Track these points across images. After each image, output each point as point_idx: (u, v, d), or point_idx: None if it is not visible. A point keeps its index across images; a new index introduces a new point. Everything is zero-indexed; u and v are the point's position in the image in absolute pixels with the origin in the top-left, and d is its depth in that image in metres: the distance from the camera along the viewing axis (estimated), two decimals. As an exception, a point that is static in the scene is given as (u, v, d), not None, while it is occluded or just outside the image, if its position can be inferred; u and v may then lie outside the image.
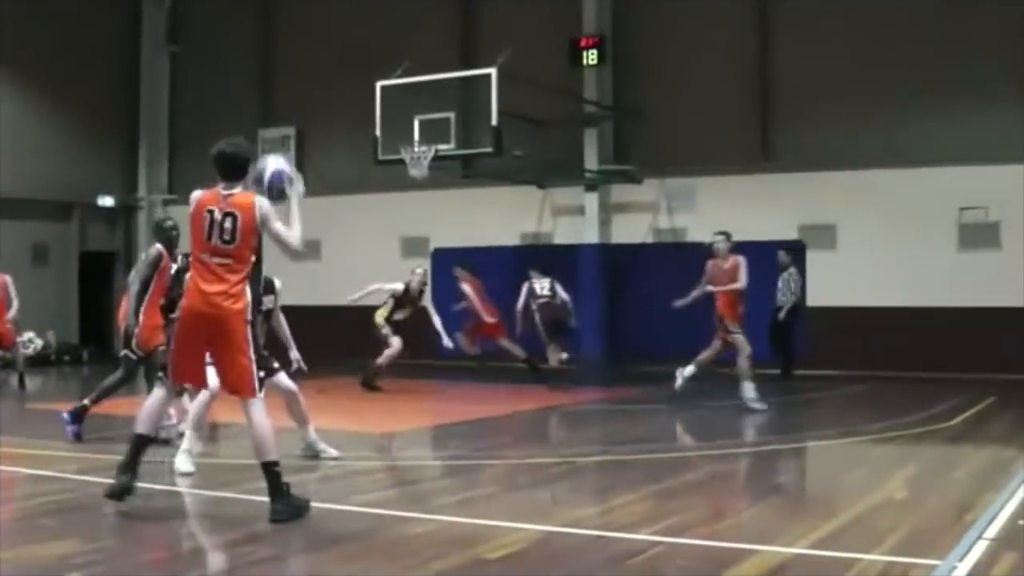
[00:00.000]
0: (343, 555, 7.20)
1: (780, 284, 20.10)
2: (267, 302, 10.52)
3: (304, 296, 21.17)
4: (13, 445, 11.85)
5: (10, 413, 15.54)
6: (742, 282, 14.88)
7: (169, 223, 12.06)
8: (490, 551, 7.11)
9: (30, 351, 22.89)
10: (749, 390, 14.86)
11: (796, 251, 20.92)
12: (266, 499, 8.03)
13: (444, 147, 18.57)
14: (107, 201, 27.75)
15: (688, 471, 10.06)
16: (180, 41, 28.55)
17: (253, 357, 7.98)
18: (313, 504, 8.37)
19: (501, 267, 23.34)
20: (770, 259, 20.02)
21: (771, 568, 6.70)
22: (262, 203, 8.13)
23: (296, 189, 8.48)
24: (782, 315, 19.87)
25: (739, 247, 21.14)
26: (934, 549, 7.06)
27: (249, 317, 8.01)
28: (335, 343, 22.26)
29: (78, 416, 12.13)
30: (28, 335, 23.67)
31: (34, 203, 25.64)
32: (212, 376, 8.50)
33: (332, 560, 7.08)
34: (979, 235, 19.09)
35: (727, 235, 15.41)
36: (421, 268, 18.71)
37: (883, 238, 20.26)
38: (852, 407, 16.07)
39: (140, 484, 8.66)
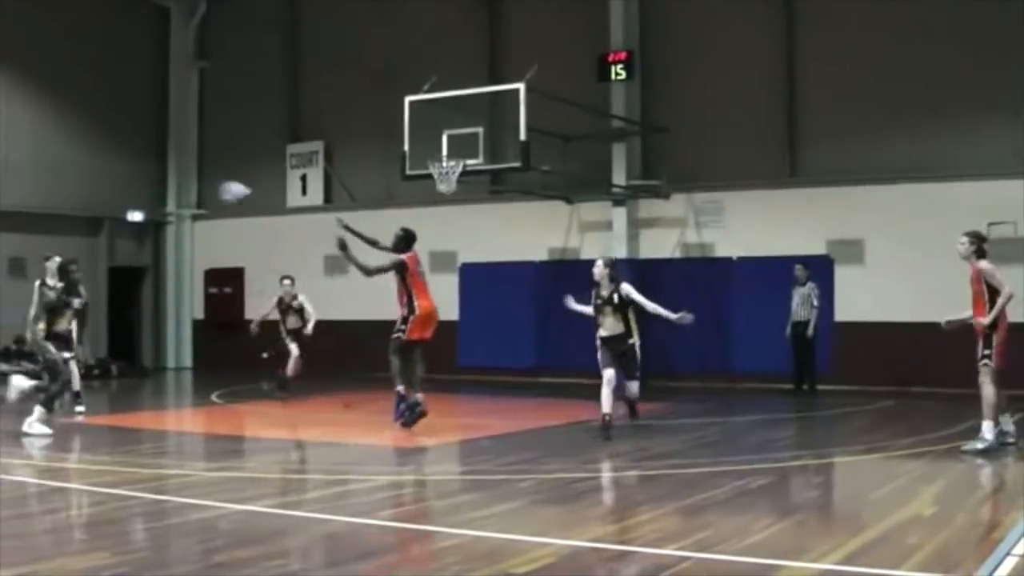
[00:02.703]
0: (370, 569, 7.21)
1: (796, 299, 20.03)
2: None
3: (331, 311, 21.26)
4: (46, 459, 11.93)
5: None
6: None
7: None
8: (517, 566, 7.11)
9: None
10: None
11: (824, 266, 20.88)
12: (295, 513, 8.04)
13: (472, 162, 18.56)
14: (136, 216, 27.90)
15: (715, 486, 10.03)
16: (209, 57, 28.74)
17: None
18: (341, 518, 8.39)
19: (529, 282, 23.39)
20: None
21: (799, 584, 6.70)
22: None
23: None
24: (810, 331, 19.79)
25: (767, 262, 21.25)
26: (963, 565, 7.03)
27: None
28: (362, 357, 22.33)
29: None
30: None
31: (63, 218, 25.82)
32: None
33: (359, 574, 7.10)
34: (1008, 250, 18.85)
35: (971, 235, 12.63)
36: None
37: (911, 253, 20.18)
38: (880, 423, 16.00)
39: (170, 498, 8.72)
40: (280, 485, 10.71)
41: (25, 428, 13.71)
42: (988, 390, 12.24)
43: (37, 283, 16.03)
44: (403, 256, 14.50)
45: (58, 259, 16.00)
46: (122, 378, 24.62)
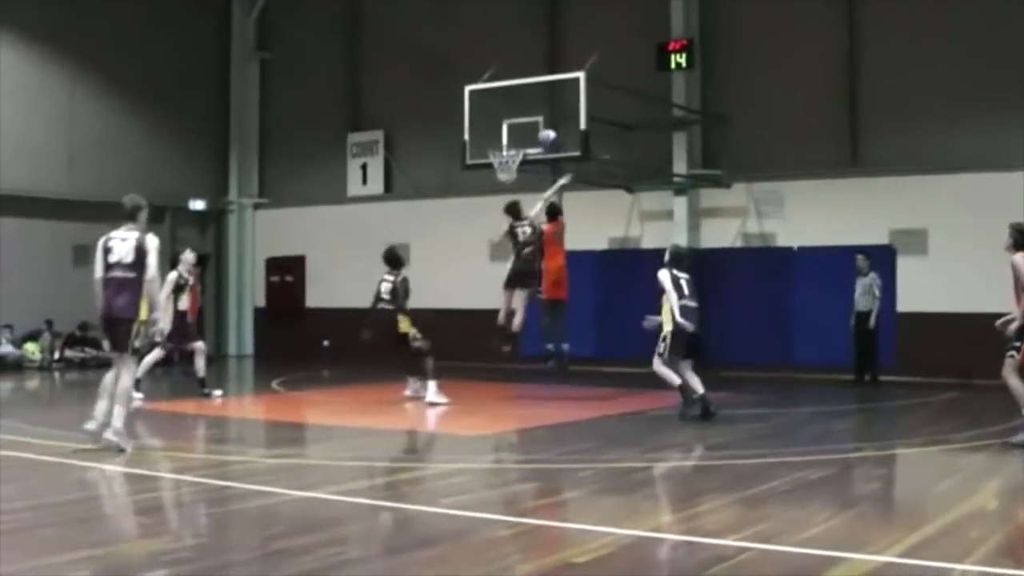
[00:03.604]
0: (430, 557, 7.24)
1: (859, 289, 19.88)
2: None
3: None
4: (109, 445, 12.07)
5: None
6: None
7: None
8: (577, 555, 7.12)
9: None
10: None
11: (887, 256, 20.70)
12: (355, 500, 8.06)
13: (532, 151, 18.52)
14: (198, 205, 28.16)
15: (775, 477, 9.97)
16: (269, 48, 28.93)
17: None
18: (401, 506, 8.42)
19: (589, 271, 23.32)
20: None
21: (860, 576, 6.65)
22: None
23: None
24: (872, 322, 19.65)
25: (828, 252, 21.08)
26: (1027, 560, 6.96)
27: None
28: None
29: None
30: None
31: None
32: None
33: (419, 562, 7.13)
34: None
35: (1011, 227, 12.29)
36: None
37: (974, 243, 19.90)
38: (942, 415, 15.86)
39: (231, 484, 8.80)
40: (340, 472, 10.77)
41: (430, 398, 16.18)
42: (1012, 383, 12.06)
43: (177, 273, 16.43)
44: (544, 226, 17.63)
45: (191, 251, 17.47)
46: (183, 364, 24.81)
